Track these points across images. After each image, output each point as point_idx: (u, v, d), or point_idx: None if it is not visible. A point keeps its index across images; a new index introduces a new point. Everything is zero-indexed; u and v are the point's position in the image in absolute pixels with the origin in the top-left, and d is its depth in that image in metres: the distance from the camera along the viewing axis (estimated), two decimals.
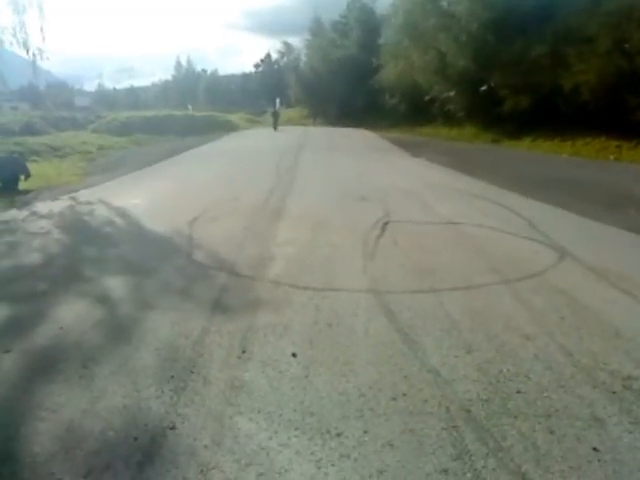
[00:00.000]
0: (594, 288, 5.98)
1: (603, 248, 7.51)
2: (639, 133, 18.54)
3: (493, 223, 8.96)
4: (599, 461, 3.07)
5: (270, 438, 3.27)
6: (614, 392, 3.81)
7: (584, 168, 16.76)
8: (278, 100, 61.04)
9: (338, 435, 3.29)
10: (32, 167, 16.37)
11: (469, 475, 2.94)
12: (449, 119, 33.88)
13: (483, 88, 27.71)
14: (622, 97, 19.13)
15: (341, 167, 17.87)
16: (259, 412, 3.56)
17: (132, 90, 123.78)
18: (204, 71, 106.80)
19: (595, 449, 3.17)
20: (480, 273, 6.47)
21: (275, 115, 47.49)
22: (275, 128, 44.34)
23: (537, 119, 24.31)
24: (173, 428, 3.41)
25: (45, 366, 4.28)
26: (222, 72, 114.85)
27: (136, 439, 3.30)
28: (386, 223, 9.04)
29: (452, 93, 31.92)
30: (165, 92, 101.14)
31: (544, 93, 23.41)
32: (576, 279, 6.26)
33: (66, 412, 3.61)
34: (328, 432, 3.32)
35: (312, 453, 3.11)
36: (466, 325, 4.95)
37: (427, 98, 35.08)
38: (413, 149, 23.73)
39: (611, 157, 18.92)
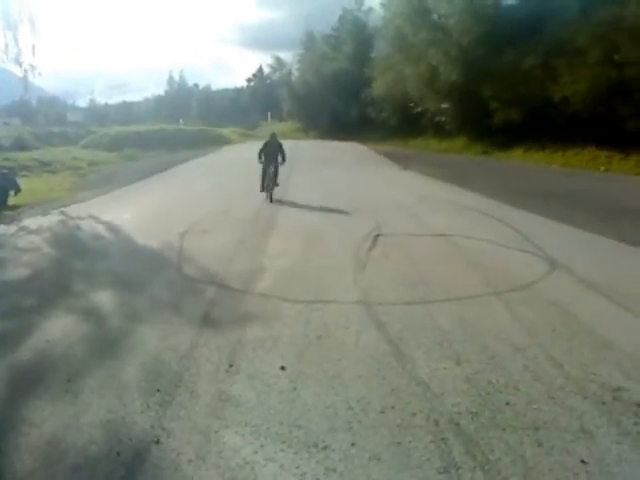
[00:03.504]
0: (585, 299, 5.96)
1: (594, 259, 7.50)
2: (629, 144, 18.63)
3: (484, 235, 8.96)
4: (587, 473, 3.04)
5: (255, 452, 3.23)
6: (604, 403, 3.78)
7: (574, 179, 16.84)
8: (270, 114, 61.04)
9: (325, 448, 3.25)
10: (22, 182, 16.36)
11: None
12: (439, 131, 34.00)
13: (444, 106, 28.27)
14: (612, 107, 19.24)
15: (332, 180, 17.90)
16: (245, 426, 3.52)
17: (124, 105, 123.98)
18: (196, 86, 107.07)
19: (583, 461, 3.14)
20: (471, 285, 6.45)
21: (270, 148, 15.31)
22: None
23: (528, 130, 24.42)
24: (157, 442, 3.36)
25: (30, 380, 4.24)
26: (214, 87, 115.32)
27: (119, 454, 3.25)
28: (377, 235, 9.02)
29: (444, 105, 32.08)
30: (157, 107, 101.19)
31: (535, 104, 23.53)
32: (567, 290, 6.25)
33: (49, 427, 3.57)
34: (315, 445, 3.28)
35: (297, 467, 3.07)
36: (456, 337, 4.92)
37: (418, 110, 35.24)
38: (404, 161, 23.80)
39: (601, 168, 19.01)
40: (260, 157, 14.19)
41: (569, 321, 5.28)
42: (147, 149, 36.17)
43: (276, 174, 14.16)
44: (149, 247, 8.69)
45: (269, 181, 13.94)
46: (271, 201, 13.34)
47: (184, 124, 61.79)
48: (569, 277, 6.71)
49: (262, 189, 14.03)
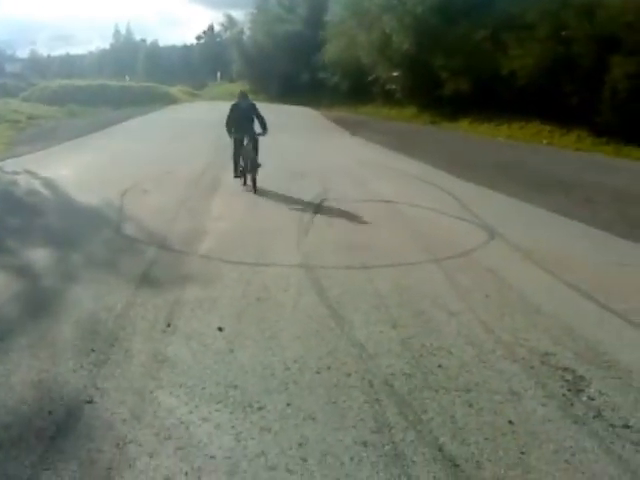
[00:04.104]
0: (519, 267, 6.15)
1: (530, 229, 7.72)
2: (571, 119, 19.08)
3: (427, 203, 9.09)
4: (513, 433, 3.15)
5: (191, 412, 3.22)
6: (532, 367, 3.92)
7: (518, 151, 17.18)
8: (219, 74, 59.58)
9: (260, 409, 3.27)
10: None
11: (388, 447, 2.97)
12: (390, 99, 33.94)
13: (395, 74, 28.17)
14: (557, 83, 19.60)
15: (281, 144, 17.67)
16: (181, 386, 3.50)
17: (68, 58, 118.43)
18: (143, 41, 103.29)
19: (510, 422, 3.26)
20: (411, 251, 6.56)
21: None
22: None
23: (475, 102, 24.67)
24: (91, 402, 3.31)
25: None
26: (162, 43, 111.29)
27: (50, 413, 3.19)
28: (322, 200, 9.03)
29: (395, 74, 32.00)
30: (102, 61, 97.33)
31: (484, 77, 23.71)
32: (503, 258, 6.43)
33: None
34: (250, 406, 3.29)
35: (233, 427, 3.08)
36: (394, 301, 5.01)
37: (369, 78, 35.07)
38: (353, 128, 23.74)
39: (544, 141, 19.44)
40: (230, 129, 10.45)
41: (503, 288, 5.45)
42: (91, 105, 34.76)
43: (256, 150, 10.26)
44: (88, 205, 8.45)
45: (247, 160, 10.19)
46: (255, 190, 9.83)
47: (130, 80, 59.74)
48: (506, 245, 6.90)
49: (236, 174, 10.51)
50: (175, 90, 54.89)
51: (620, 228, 7.79)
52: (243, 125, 10.35)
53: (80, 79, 53.24)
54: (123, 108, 33.83)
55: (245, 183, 10.28)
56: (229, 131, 10.44)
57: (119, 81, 53.14)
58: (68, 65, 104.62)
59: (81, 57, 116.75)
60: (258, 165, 10.05)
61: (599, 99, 17.56)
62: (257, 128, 10.45)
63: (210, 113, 31.31)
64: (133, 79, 63.93)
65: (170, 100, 45.93)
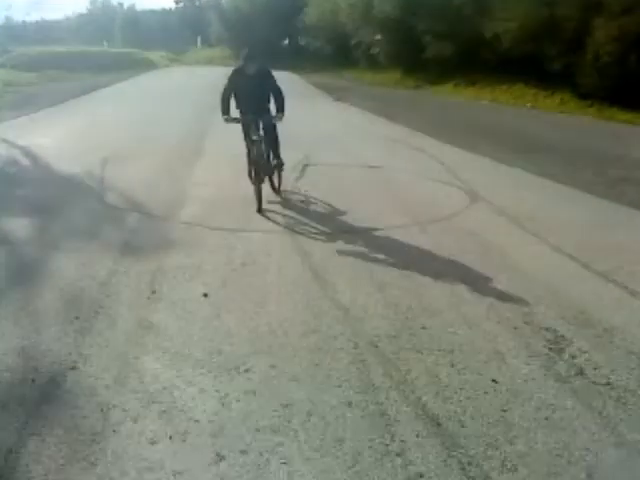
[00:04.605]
0: (503, 230, 6.17)
1: (514, 192, 7.72)
2: (555, 82, 19.06)
3: (411, 167, 9.06)
4: (495, 391, 3.19)
5: (175, 377, 3.22)
6: (515, 328, 3.96)
7: (502, 115, 17.13)
8: (199, 39, 58.37)
9: (245, 371, 3.27)
10: None
11: (372, 407, 2.99)
12: (373, 63, 33.59)
13: (378, 37, 27.63)
14: (541, 47, 19.52)
15: None
16: (166, 352, 3.49)
17: (44, 24, 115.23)
18: (120, 5, 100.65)
19: (494, 380, 3.30)
20: (395, 215, 6.55)
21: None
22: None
23: (460, 66, 24.52)
24: (74, 369, 3.29)
25: None
26: (140, 7, 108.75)
27: (34, 380, 3.17)
28: (306, 165, 8.96)
29: (378, 37, 31.59)
30: (80, 27, 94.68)
31: (467, 40, 23.56)
32: (487, 221, 6.45)
33: None
34: (235, 369, 3.30)
35: (217, 390, 3.09)
36: (379, 265, 5.01)
37: (353, 42, 34.62)
38: (337, 93, 23.47)
39: (528, 105, 19.42)
40: (226, 109, 6.75)
41: (487, 250, 5.47)
42: (70, 71, 34.02)
43: (276, 141, 7.07)
44: (68, 173, 8.31)
45: (259, 158, 6.71)
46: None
47: (109, 46, 58.43)
48: (489, 208, 6.90)
49: (252, 176, 6.87)
50: (155, 56, 53.81)
51: (603, 190, 7.83)
52: (250, 104, 6.68)
53: (58, 45, 51.99)
54: (103, 74, 33.13)
55: (260, 197, 6.62)
56: (225, 111, 6.73)
57: (98, 47, 51.99)
58: (45, 31, 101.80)
59: (58, 23, 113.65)
60: (281, 164, 7.20)
61: (582, 62, 17.52)
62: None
63: (191, 80, 30.88)
64: (112, 45, 62.54)
65: (150, 66, 45.04)
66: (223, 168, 8.59)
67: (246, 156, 6.96)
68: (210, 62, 54.19)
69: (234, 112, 6.81)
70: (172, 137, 11.62)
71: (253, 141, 6.67)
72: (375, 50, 32.69)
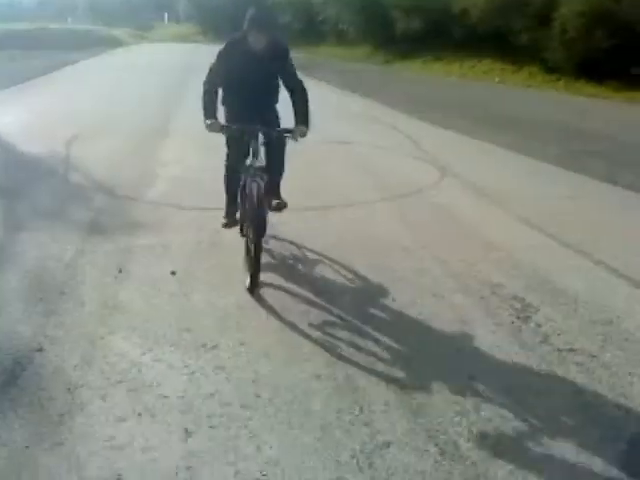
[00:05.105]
0: (472, 204, 6.24)
1: (483, 166, 7.81)
2: (522, 57, 19.23)
3: (381, 143, 9.08)
4: (462, 360, 3.24)
5: (143, 354, 3.18)
6: (482, 298, 4.02)
7: (470, 90, 17.23)
8: (166, 15, 57.25)
9: (213, 348, 3.26)
10: None
11: (341, 379, 3.01)
12: (343, 39, 33.46)
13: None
14: (508, 21, 19.62)
15: None
16: (133, 330, 3.45)
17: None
18: None
19: (459, 350, 3.35)
20: (365, 190, 6.57)
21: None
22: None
23: (429, 41, 24.55)
24: (40, 350, 3.23)
25: None
26: None
27: None
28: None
29: (345, 12, 31.36)
30: (43, 2, 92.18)
31: (435, 15, 23.59)
32: (456, 195, 6.50)
33: None
34: (204, 346, 3.28)
35: (186, 366, 3.07)
36: (348, 240, 5.03)
37: (321, 18, 34.34)
38: (306, 69, 23.25)
39: (496, 79, 19.59)
40: (209, 106, 4.18)
41: (455, 224, 5.55)
42: (31, 50, 33.06)
43: (282, 169, 4.85)
44: (32, 153, 8.10)
45: (257, 203, 4.02)
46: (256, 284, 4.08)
47: (72, 22, 57.02)
48: (459, 183, 6.97)
49: (228, 219, 4.74)
50: (120, 32, 52.68)
51: (570, 162, 7.94)
52: (249, 103, 4.41)
53: (18, 22, 50.47)
54: (66, 52, 32.31)
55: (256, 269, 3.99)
56: (209, 113, 4.18)
57: (61, 24, 50.68)
58: (4, 7, 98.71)
59: None
60: (282, 206, 4.71)
61: (549, 36, 17.65)
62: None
63: (158, 58, 30.33)
64: (75, 21, 61.03)
65: (116, 43, 44.04)
66: (189, 148, 8.47)
67: (224, 191, 4.76)
68: (180, 39, 53.07)
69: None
70: (137, 116, 11.44)
71: (248, 169, 4.20)
72: (344, 26, 32.48)
